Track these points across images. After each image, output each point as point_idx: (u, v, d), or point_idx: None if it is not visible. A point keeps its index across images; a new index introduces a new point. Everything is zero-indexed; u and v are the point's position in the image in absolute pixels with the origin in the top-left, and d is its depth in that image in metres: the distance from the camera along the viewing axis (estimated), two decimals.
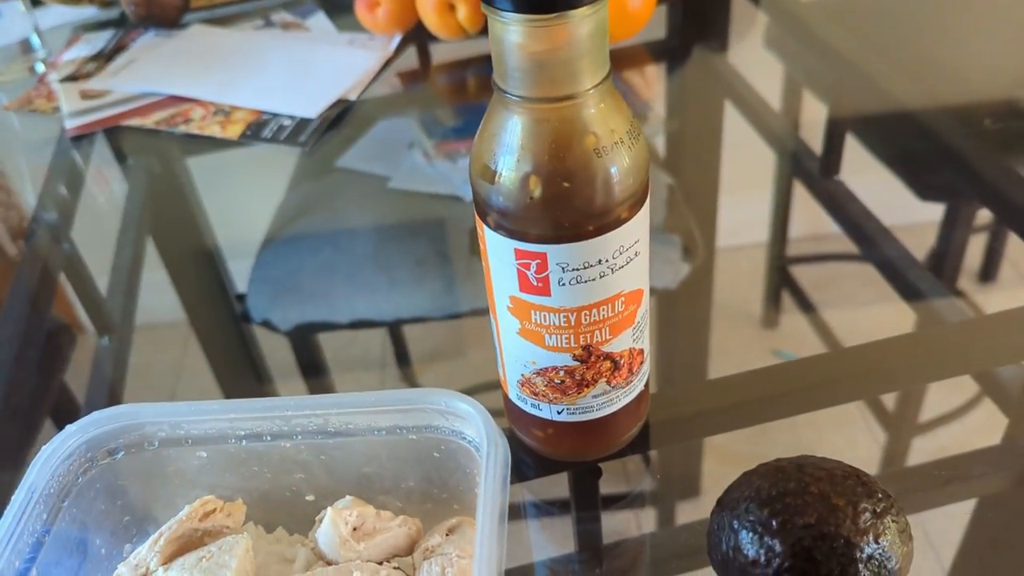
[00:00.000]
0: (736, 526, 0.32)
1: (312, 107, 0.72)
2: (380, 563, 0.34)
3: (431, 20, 0.76)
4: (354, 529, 0.34)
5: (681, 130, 0.72)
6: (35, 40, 0.85)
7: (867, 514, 0.31)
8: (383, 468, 0.36)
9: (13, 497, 0.33)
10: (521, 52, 0.30)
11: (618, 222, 0.33)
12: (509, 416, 0.42)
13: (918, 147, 0.65)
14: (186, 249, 0.65)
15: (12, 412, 0.51)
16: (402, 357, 0.56)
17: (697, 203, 0.62)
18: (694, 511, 0.41)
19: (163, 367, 0.55)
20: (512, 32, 0.30)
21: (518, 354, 0.37)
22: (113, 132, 0.73)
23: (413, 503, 0.37)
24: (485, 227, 0.34)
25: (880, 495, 0.32)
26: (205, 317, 0.59)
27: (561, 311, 0.35)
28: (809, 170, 0.65)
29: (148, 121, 0.73)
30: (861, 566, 0.31)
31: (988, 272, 0.55)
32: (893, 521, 0.31)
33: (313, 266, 0.59)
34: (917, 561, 0.33)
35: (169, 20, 0.86)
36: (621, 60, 0.78)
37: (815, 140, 0.67)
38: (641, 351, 0.38)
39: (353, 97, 0.74)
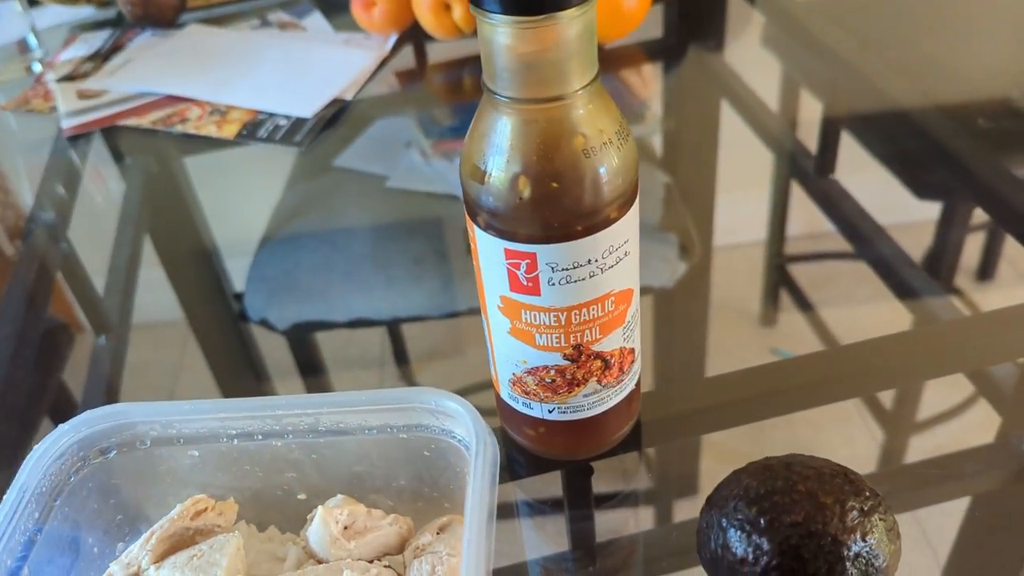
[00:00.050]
0: (724, 524, 0.32)
1: (308, 107, 0.72)
2: (371, 561, 0.34)
3: (427, 20, 0.76)
4: (345, 528, 0.34)
5: (678, 129, 0.72)
6: (32, 40, 0.85)
7: (854, 512, 0.31)
8: (374, 467, 0.37)
9: (5, 496, 0.33)
10: (509, 53, 0.30)
11: (607, 222, 0.33)
12: (501, 415, 0.42)
13: (914, 146, 0.65)
14: (183, 248, 0.65)
15: (8, 411, 0.51)
16: (400, 356, 0.56)
17: (694, 202, 0.63)
18: (686, 510, 0.42)
19: (161, 366, 0.55)
20: (500, 33, 0.30)
21: (509, 353, 0.37)
22: (110, 132, 0.73)
23: (404, 502, 0.38)
24: (475, 227, 0.34)
25: (868, 493, 0.32)
26: (202, 316, 0.59)
27: (551, 311, 0.35)
28: (805, 169, 0.65)
29: (145, 121, 0.73)
30: (848, 564, 0.31)
31: (986, 271, 0.55)
32: (881, 519, 0.32)
33: (311, 265, 0.60)
34: (913, 558, 0.33)
35: (166, 20, 0.86)
36: (617, 60, 0.78)
37: (812, 139, 0.67)
38: (632, 350, 0.39)
39: (349, 97, 0.74)
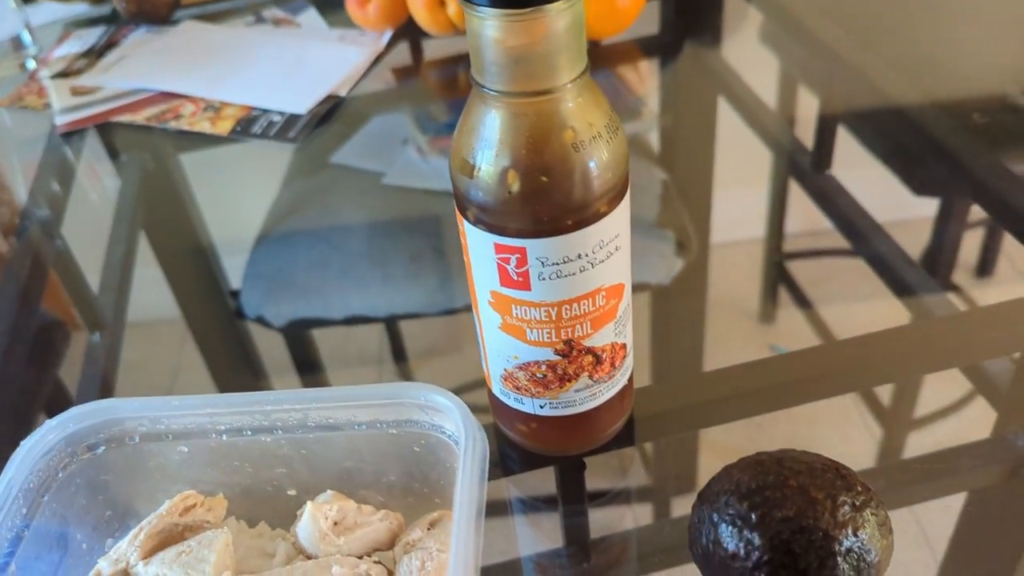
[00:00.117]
0: (716, 520, 0.32)
1: (302, 103, 0.72)
2: (361, 557, 0.34)
3: (421, 16, 0.76)
4: (335, 523, 0.34)
5: (674, 126, 0.72)
6: (26, 37, 0.85)
7: (846, 507, 0.31)
8: (364, 463, 0.36)
9: None
10: (498, 47, 0.30)
11: (597, 216, 0.33)
12: (493, 411, 0.42)
13: (911, 142, 0.65)
14: (179, 245, 0.65)
15: (1, 408, 0.51)
16: (398, 354, 0.56)
17: (691, 198, 0.62)
18: (679, 505, 0.41)
19: (157, 364, 0.55)
20: (489, 27, 0.30)
21: (500, 348, 0.37)
22: (104, 128, 0.73)
23: (395, 497, 0.37)
24: (465, 222, 0.34)
25: (859, 488, 0.32)
26: (199, 314, 0.59)
27: (542, 305, 0.35)
28: (801, 165, 0.65)
29: (139, 117, 0.73)
30: (840, 559, 0.31)
31: (985, 267, 0.55)
32: (872, 514, 0.31)
33: (307, 262, 0.59)
34: (910, 553, 0.33)
35: (160, 16, 0.86)
36: (613, 56, 0.78)
37: (809, 136, 0.67)
38: (624, 345, 0.38)
39: (343, 93, 0.74)
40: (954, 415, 0.45)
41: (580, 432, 0.40)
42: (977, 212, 0.59)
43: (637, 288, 0.51)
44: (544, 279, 0.34)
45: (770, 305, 0.56)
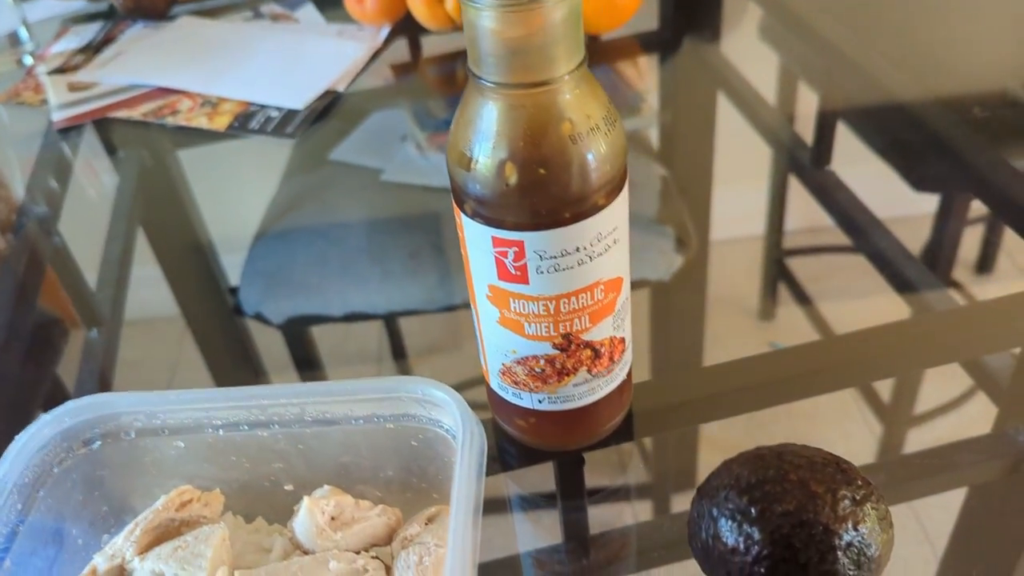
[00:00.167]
0: (715, 514, 0.32)
1: (299, 98, 0.72)
2: (358, 552, 0.34)
3: (420, 11, 0.75)
4: (332, 519, 0.34)
5: (674, 122, 0.71)
6: (23, 33, 0.85)
7: (846, 501, 0.31)
8: (361, 457, 0.36)
9: None
10: (495, 38, 0.30)
11: (595, 209, 0.33)
12: (492, 406, 0.42)
13: (911, 137, 0.65)
14: (177, 242, 0.64)
15: None
16: (398, 351, 0.56)
17: (691, 194, 0.62)
18: (678, 501, 0.41)
19: (156, 361, 0.55)
20: (485, 18, 0.30)
21: (498, 343, 0.37)
22: (101, 124, 0.73)
23: (393, 492, 0.37)
24: (463, 215, 0.34)
25: (860, 482, 0.32)
26: (197, 311, 0.59)
27: (540, 299, 0.34)
28: (801, 161, 0.65)
29: (136, 113, 0.73)
30: (840, 553, 0.30)
31: (985, 263, 0.55)
32: (873, 508, 0.31)
33: (306, 259, 0.59)
34: (910, 548, 0.33)
35: (158, 12, 0.86)
36: (612, 52, 0.77)
37: (808, 131, 0.67)
38: (622, 340, 0.38)
39: (341, 88, 0.73)
40: (954, 411, 0.45)
41: (579, 427, 0.40)
42: (977, 209, 0.59)
43: (636, 285, 0.51)
44: (542, 272, 0.34)
45: (770, 302, 0.56)
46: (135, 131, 0.72)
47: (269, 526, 0.37)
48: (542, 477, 0.42)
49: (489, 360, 0.39)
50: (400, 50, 0.80)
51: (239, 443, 0.36)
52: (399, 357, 0.55)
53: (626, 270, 0.37)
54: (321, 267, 0.58)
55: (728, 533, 0.31)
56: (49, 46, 0.85)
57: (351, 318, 0.55)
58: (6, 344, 0.54)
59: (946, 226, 0.58)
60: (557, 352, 0.36)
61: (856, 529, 0.31)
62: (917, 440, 0.44)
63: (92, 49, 0.83)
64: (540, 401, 0.38)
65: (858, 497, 0.31)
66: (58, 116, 0.73)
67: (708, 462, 0.35)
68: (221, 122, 0.70)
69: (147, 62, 0.79)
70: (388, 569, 0.34)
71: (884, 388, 0.46)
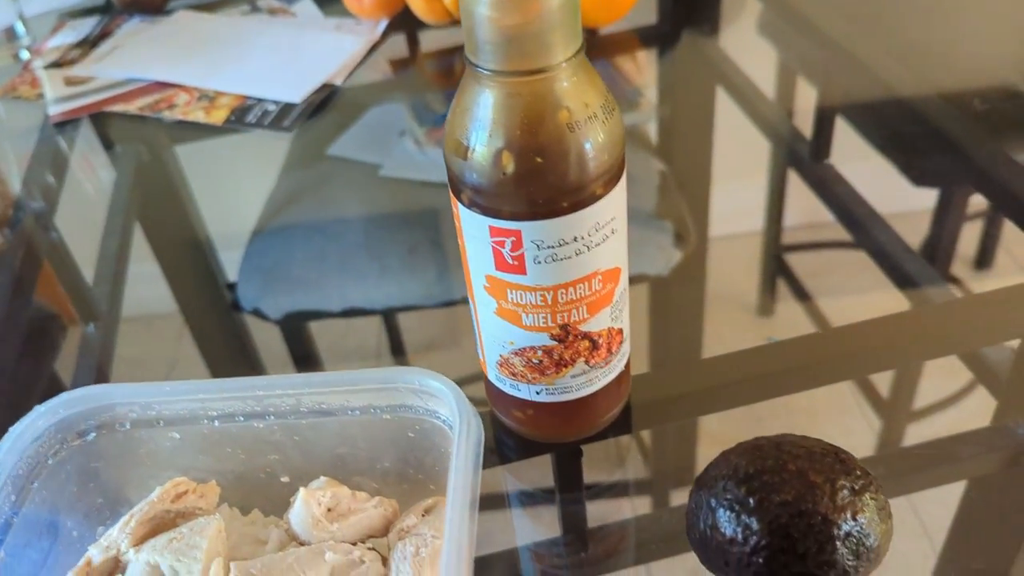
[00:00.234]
0: (714, 504, 0.32)
1: (296, 92, 0.71)
2: (354, 543, 0.34)
3: (417, 5, 0.75)
4: (328, 510, 0.34)
5: (672, 116, 0.71)
6: (20, 27, 0.84)
7: (845, 491, 0.31)
8: (358, 449, 0.36)
9: None
10: (491, 24, 0.30)
11: (593, 198, 0.33)
12: (489, 397, 0.42)
13: (910, 131, 0.65)
14: (174, 237, 0.64)
15: None
16: (396, 346, 0.56)
17: (689, 189, 0.62)
18: (677, 492, 0.41)
19: (153, 358, 0.55)
20: (482, 4, 0.30)
21: (496, 334, 0.37)
22: (97, 118, 0.73)
23: (389, 484, 0.37)
24: (459, 205, 0.34)
25: (858, 472, 0.32)
26: (195, 307, 0.59)
27: (537, 290, 0.34)
28: (800, 155, 0.65)
29: (132, 107, 0.72)
30: (839, 543, 0.30)
31: (984, 259, 0.55)
32: (872, 498, 0.31)
33: (304, 254, 0.59)
34: (908, 541, 0.33)
35: (154, 6, 0.85)
36: (612, 45, 0.77)
37: (807, 126, 0.67)
38: (620, 331, 0.38)
39: (339, 82, 0.73)
40: (953, 404, 0.45)
41: (577, 419, 0.40)
42: (975, 204, 0.59)
43: (635, 279, 0.51)
44: (539, 263, 0.33)
45: (768, 297, 0.55)
46: (132, 125, 0.72)
47: (265, 518, 0.37)
48: (540, 469, 0.42)
49: (487, 352, 0.38)
50: (398, 44, 0.80)
51: (235, 434, 0.36)
52: (397, 353, 0.55)
53: (624, 260, 0.36)
54: (319, 263, 0.58)
55: (726, 523, 0.31)
56: (46, 40, 0.85)
57: (349, 314, 0.55)
58: (3, 339, 0.54)
59: (945, 220, 0.58)
60: (555, 343, 0.36)
61: (855, 519, 0.30)
62: (916, 433, 0.44)
63: (89, 43, 0.82)
64: (538, 392, 0.38)
65: (857, 487, 0.31)
66: (54, 110, 0.73)
67: (706, 454, 0.35)
68: (218, 116, 0.70)
69: (144, 56, 0.79)
70: (384, 560, 0.34)
71: (883, 382, 0.46)
